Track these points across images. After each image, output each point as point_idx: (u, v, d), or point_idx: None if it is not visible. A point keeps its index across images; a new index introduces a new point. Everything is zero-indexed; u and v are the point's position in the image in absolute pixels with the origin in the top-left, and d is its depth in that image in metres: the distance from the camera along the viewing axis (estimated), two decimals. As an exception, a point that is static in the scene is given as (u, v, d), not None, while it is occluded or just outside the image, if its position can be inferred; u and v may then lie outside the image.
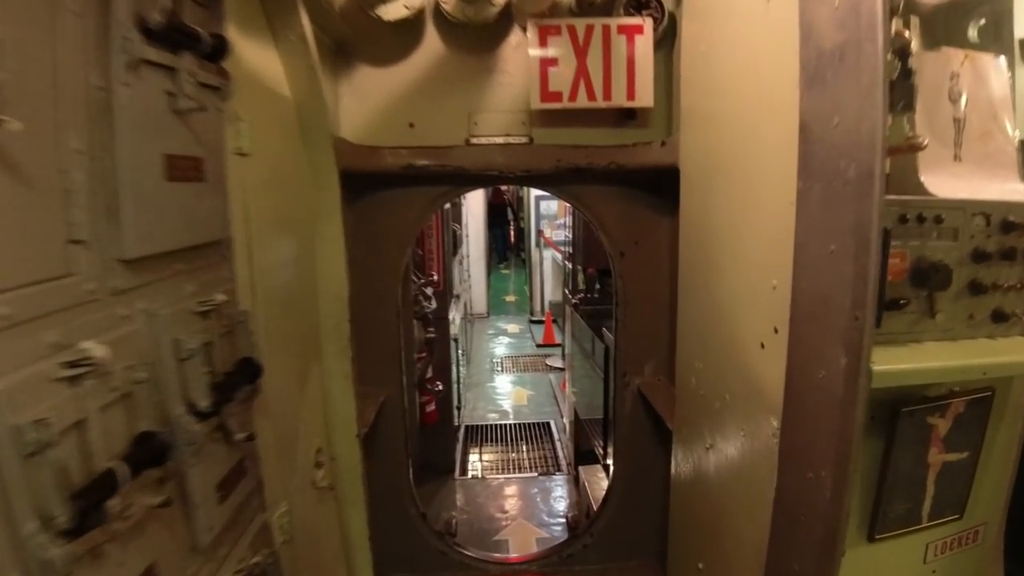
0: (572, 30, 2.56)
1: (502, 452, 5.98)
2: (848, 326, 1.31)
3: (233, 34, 1.68)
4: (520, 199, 13.29)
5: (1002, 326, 1.57)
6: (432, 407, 5.05)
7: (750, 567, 1.80)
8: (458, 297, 6.58)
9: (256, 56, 2.02)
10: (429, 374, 5.08)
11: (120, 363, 1.15)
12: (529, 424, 6.58)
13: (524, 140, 2.80)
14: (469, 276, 9.52)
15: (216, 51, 1.50)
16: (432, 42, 2.71)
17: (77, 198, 1.09)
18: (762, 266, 1.74)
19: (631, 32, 2.57)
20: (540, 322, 10.21)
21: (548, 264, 10.57)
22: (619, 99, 2.65)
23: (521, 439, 6.25)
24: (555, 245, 9.91)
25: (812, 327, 1.47)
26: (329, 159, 2.51)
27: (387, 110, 2.74)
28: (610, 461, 3.99)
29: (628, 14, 2.61)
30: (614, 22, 2.57)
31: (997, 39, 1.71)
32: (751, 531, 1.81)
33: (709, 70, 2.22)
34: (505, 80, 2.76)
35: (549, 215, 10.85)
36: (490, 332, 10.58)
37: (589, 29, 2.56)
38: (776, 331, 1.63)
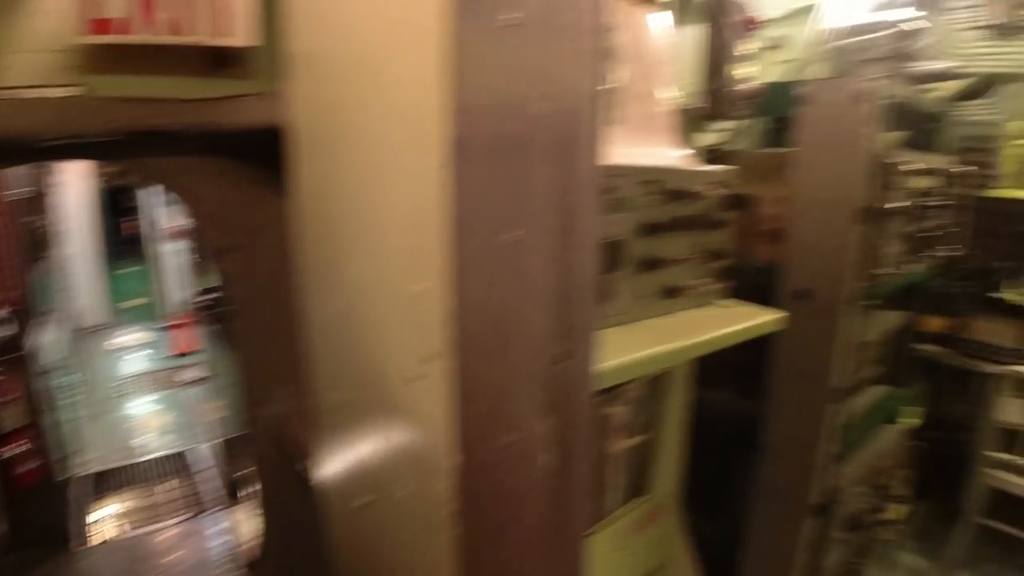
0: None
1: (138, 499, 4.73)
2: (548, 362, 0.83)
3: None
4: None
5: (673, 302, 1.45)
6: (27, 465, 3.71)
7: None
8: (52, 313, 5.19)
9: None
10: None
11: None
12: (168, 456, 5.34)
13: (69, 93, 1.73)
14: (74, 282, 7.66)
15: None
16: None
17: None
18: (401, 264, 1.17)
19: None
20: (171, 328, 8.36)
21: (177, 258, 8.66)
22: (204, 33, 1.77)
23: (160, 476, 5.03)
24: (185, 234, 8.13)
25: (488, 361, 0.95)
26: None
27: None
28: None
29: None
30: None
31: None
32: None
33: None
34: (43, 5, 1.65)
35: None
36: (112, 346, 8.40)
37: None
38: (429, 361, 1.07)
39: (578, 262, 0.87)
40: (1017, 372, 2.90)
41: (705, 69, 1.83)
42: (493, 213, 0.93)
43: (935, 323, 3.33)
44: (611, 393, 1.50)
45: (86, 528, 4.28)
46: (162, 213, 9.00)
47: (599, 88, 0.91)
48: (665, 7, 1.84)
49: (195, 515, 4.42)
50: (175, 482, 4.92)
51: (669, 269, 1.41)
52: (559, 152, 0.88)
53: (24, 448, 3.75)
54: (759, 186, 2.13)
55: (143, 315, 10.00)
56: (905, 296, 2.53)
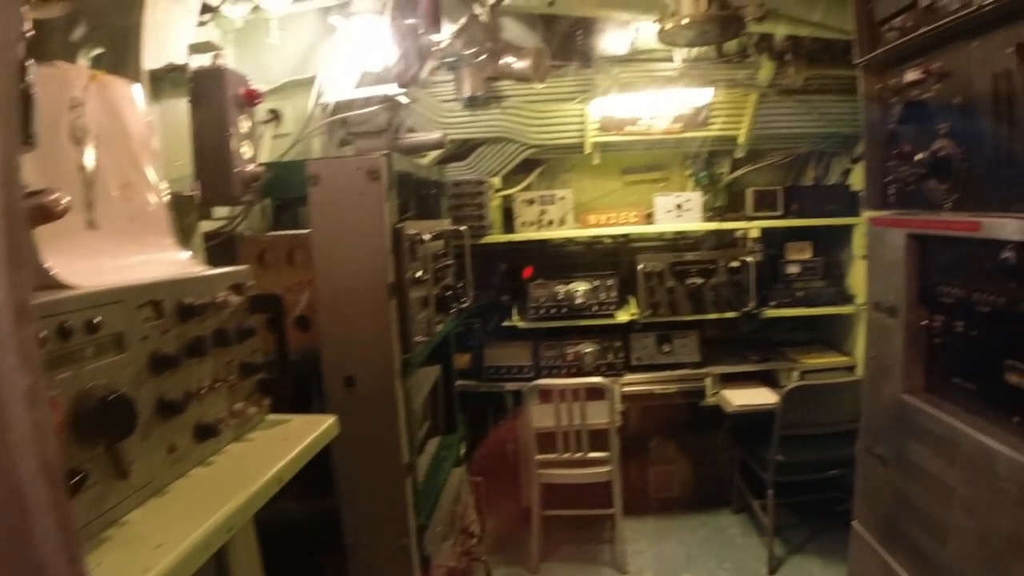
0: None
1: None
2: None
3: None
4: None
5: (212, 443, 1.33)
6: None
7: None
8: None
9: None
10: None
11: None
12: None
13: None
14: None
15: None
16: None
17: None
18: None
19: None
20: None
21: None
22: None
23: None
24: None
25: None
26: None
27: None
28: None
29: None
30: None
31: (121, 71, 1.39)
32: None
33: None
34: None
35: None
36: None
37: None
38: None
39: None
40: (536, 385, 3.86)
41: (199, 150, 1.81)
42: None
43: (461, 360, 4.14)
44: None
45: None
46: None
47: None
48: (140, 78, 1.74)
49: None
50: None
51: (197, 405, 1.31)
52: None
53: None
54: (275, 274, 2.20)
55: None
56: (437, 350, 3.06)
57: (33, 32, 1.06)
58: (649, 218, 4.37)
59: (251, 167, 1.85)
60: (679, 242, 4.75)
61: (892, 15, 1.58)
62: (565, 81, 4.01)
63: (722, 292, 4.16)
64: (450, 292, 2.77)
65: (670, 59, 3.98)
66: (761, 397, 4.03)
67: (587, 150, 4.19)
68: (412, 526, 2.24)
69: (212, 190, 1.76)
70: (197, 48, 1.84)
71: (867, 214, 1.79)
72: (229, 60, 1.85)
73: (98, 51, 1.77)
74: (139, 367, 1.14)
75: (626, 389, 4.14)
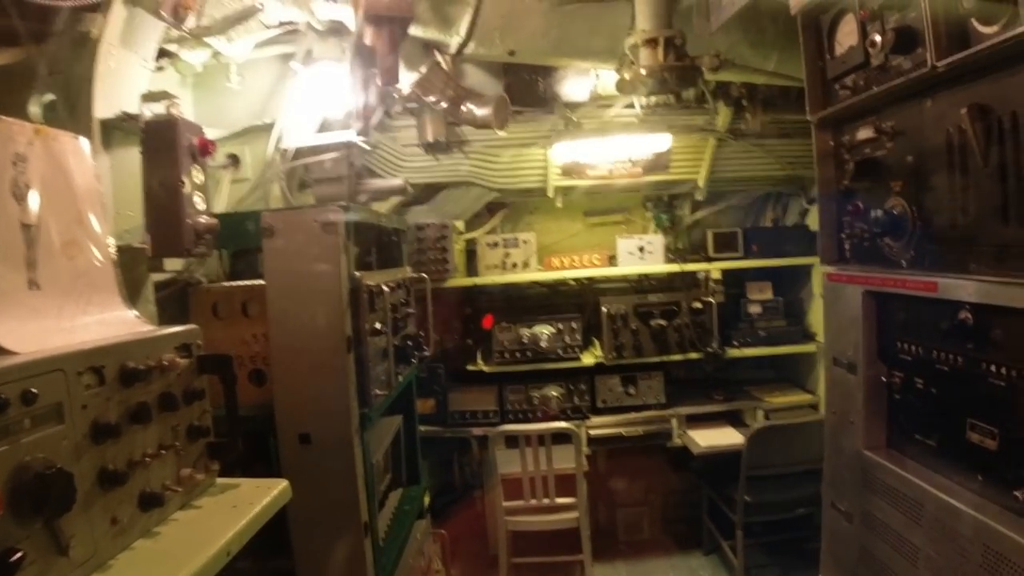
0: None
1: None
2: None
3: None
4: None
5: (157, 512, 1.28)
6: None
7: None
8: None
9: None
10: None
11: None
12: None
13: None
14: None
15: None
16: None
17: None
18: None
19: None
20: None
21: None
22: None
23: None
24: None
25: None
26: None
27: None
28: None
29: None
30: None
31: (72, 119, 1.37)
32: None
33: None
34: None
35: None
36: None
37: None
38: None
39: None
40: (502, 431, 3.82)
41: (150, 201, 1.77)
42: None
43: (425, 405, 4.09)
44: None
45: None
46: None
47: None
48: (92, 127, 1.72)
49: None
50: None
51: (141, 474, 1.25)
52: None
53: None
54: (229, 326, 2.15)
55: None
56: (399, 398, 3.01)
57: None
58: (612, 260, 4.43)
59: (204, 219, 1.82)
60: (642, 284, 4.82)
61: (844, 73, 1.63)
62: (527, 126, 4.08)
63: (686, 333, 4.22)
64: (411, 342, 2.75)
65: (631, 105, 4.09)
66: (727, 437, 4.06)
67: (550, 194, 4.25)
68: (373, 587, 2.18)
69: (163, 242, 1.73)
70: (151, 97, 1.83)
71: (824, 269, 1.84)
72: (187, 105, 1.85)
73: (50, 98, 1.75)
74: (79, 438, 1.10)
75: (593, 432, 4.13)
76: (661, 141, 4.03)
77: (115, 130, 1.83)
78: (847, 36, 1.58)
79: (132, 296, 1.57)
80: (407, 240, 3.32)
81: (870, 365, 1.67)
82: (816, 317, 4.41)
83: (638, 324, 4.19)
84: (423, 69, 2.87)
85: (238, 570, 2.27)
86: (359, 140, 2.91)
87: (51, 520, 1.02)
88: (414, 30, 2.60)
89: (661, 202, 4.74)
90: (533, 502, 3.72)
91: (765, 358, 4.79)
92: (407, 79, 2.86)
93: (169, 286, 2.25)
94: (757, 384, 4.68)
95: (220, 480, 1.54)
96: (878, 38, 1.44)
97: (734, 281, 4.42)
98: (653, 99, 4.02)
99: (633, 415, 4.23)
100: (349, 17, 2.60)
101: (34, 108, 1.71)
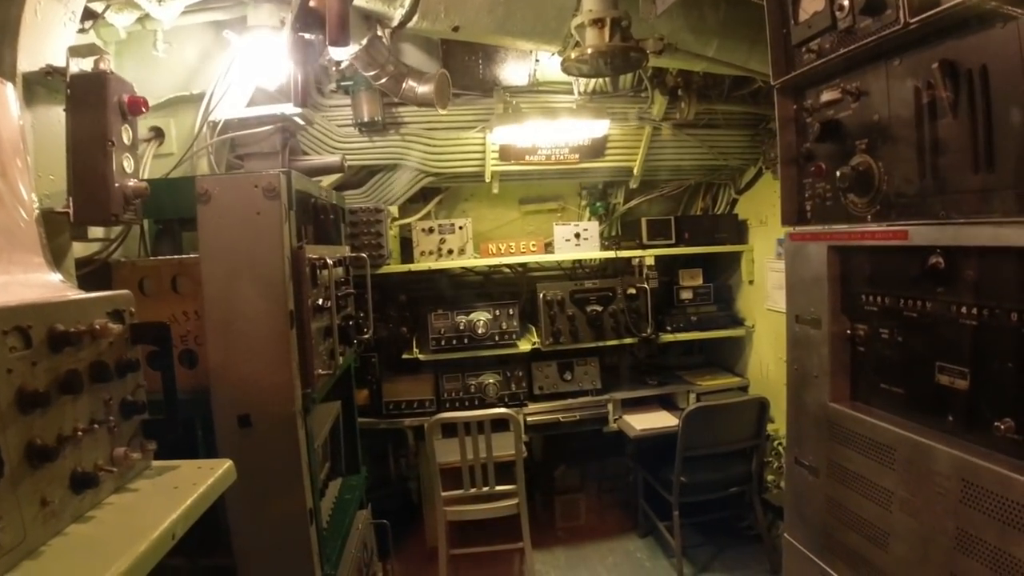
0: None
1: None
2: None
3: None
4: None
5: (91, 495, 1.16)
6: None
7: None
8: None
9: None
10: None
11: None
12: None
13: None
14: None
15: None
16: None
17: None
18: None
19: None
20: None
21: None
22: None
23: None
24: None
25: None
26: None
27: None
28: None
29: None
30: None
31: None
32: None
33: None
34: None
35: None
36: None
37: None
38: None
39: None
40: (439, 418, 3.74)
41: (75, 161, 1.61)
42: None
43: (359, 396, 3.95)
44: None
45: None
46: None
47: None
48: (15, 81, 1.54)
49: None
50: None
51: (72, 451, 1.12)
52: None
53: None
54: (157, 303, 2.00)
55: None
56: (337, 384, 2.89)
57: None
58: (548, 248, 4.44)
59: (133, 182, 1.67)
60: (577, 271, 4.86)
61: (810, 38, 1.67)
62: (466, 109, 4.02)
63: (621, 319, 4.28)
64: (351, 322, 2.65)
65: (569, 91, 4.10)
66: (662, 420, 4.15)
67: (487, 178, 4.21)
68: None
69: (88, 207, 1.57)
70: (78, 51, 1.65)
71: (785, 229, 1.88)
72: (111, 68, 1.67)
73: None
74: (3, 405, 0.97)
75: (530, 419, 4.13)
76: (598, 127, 4.06)
77: (37, 86, 1.65)
78: (812, 2, 1.62)
79: (54, 267, 1.41)
80: (344, 220, 3.20)
81: (835, 320, 1.73)
82: (745, 303, 4.58)
83: (574, 310, 4.21)
84: (363, 42, 2.76)
85: (172, 568, 2.13)
86: (294, 114, 2.76)
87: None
88: (356, -1, 2.50)
89: (596, 190, 4.79)
90: (472, 491, 3.67)
91: (695, 344, 4.94)
92: (347, 51, 2.74)
93: (90, 263, 2.07)
94: (688, 369, 4.82)
95: (156, 463, 1.42)
96: (846, 2, 1.49)
97: (666, 268, 4.52)
98: (591, 85, 4.06)
99: (570, 401, 4.26)
100: (287, -18, 2.47)
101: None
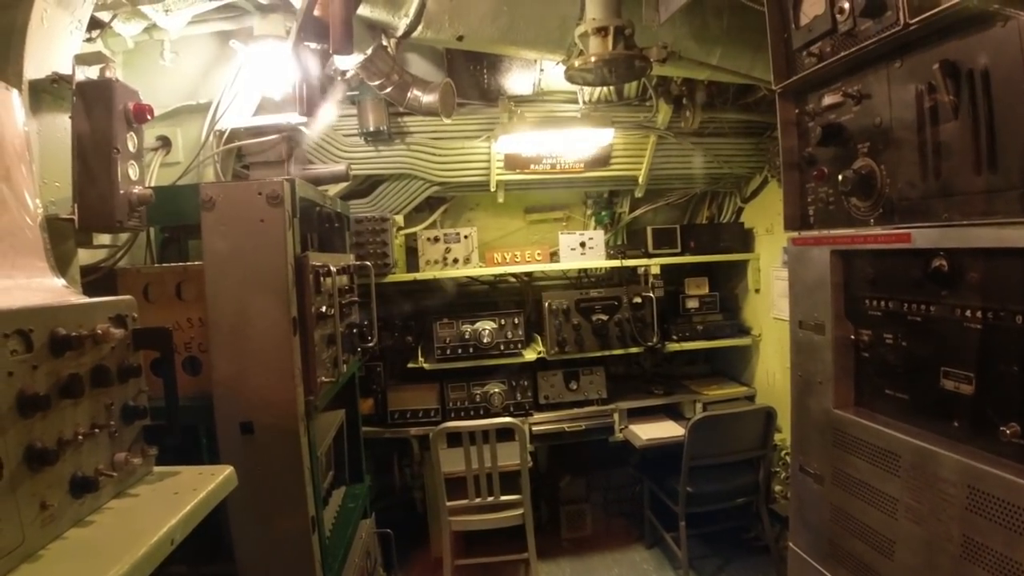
0: None
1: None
2: None
3: None
4: None
5: (91, 499, 1.17)
6: None
7: None
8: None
9: None
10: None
11: None
12: None
13: None
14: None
15: None
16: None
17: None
18: None
19: None
20: None
21: None
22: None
23: None
24: None
25: None
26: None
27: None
28: None
29: None
30: None
31: (2, 73, 1.24)
32: None
33: None
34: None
35: None
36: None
37: None
38: None
39: None
40: (444, 428, 3.73)
41: (81, 168, 1.62)
42: None
43: (364, 405, 3.95)
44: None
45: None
46: None
47: None
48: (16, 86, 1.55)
49: None
50: None
51: (72, 455, 1.13)
52: None
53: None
54: (161, 310, 2.00)
55: None
56: (341, 393, 2.89)
57: None
58: (553, 257, 4.44)
59: (138, 189, 1.68)
60: (582, 280, 4.86)
61: (811, 42, 1.67)
62: (471, 118, 4.04)
63: (626, 328, 4.26)
64: (356, 330, 2.65)
65: (574, 100, 4.12)
66: (668, 430, 4.12)
67: (492, 187, 4.22)
68: (320, 585, 2.06)
69: (93, 213, 1.58)
70: (85, 59, 1.67)
71: (788, 234, 1.87)
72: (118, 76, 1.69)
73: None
74: (4, 408, 0.98)
75: (535, 428, 4.11)
76: (603, 136, 4.07)
77: (44, 94, 1.66)
78: (812, 6, 1.62)
79: (59, 273, 1.42)
80: (348, 229, 3.22)
81: (838, 325, 1.71)
82: (751, 312, 4.56)
83: (580, 319, 4.20)
84: (368, 51, 2.78)
85: (172, 575, 2.12)
86: (300, 123, 2.78)
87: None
88: (362, 9, 2.52)
89: (601, 199, 4.80)
90: (477, 500, 3.65)
91: (701, 353, 4.91)
92: (352, 61, 2.76)
93: (95, 271, 2.08)
94: (694, 378, 4.79)
95: (157, 468, 1.42)
96: (847, 4, 1.49)
97: (672, 277, 4.51)
98: (596, 94, 4.07)
99: (576, 410, 4.24)
100: (294, -8, 2.49)
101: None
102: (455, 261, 4.19)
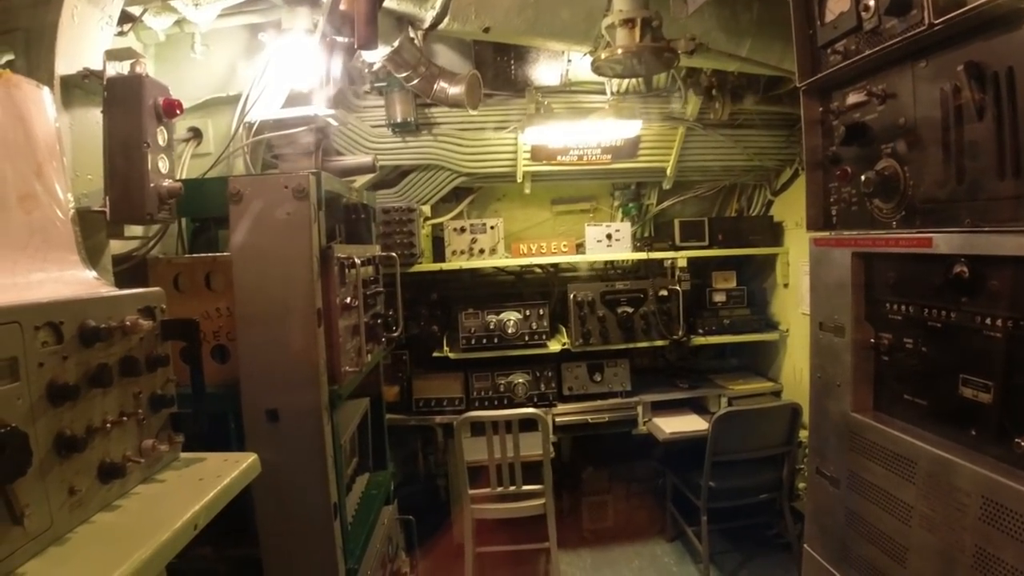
0: None
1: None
2: None
3: None
4: None
5: (118, 484, 1.20)
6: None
7: None
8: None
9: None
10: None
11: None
12: None
13: None
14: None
15: None
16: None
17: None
18: None
19: None
20: None
21: None
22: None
23: None
24: None
25: None
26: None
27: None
28: None
29: None
30: None
31: (35, 70, 1.28)
32: None
33: None
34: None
35: None
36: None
37: None
38: None
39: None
40: (468, 417, 3.77)
41: (112, 162, 1.67)
42: None
43: (389, 393, 4.00)
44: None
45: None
46: None
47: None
48: (52, 84, 1.60)
49: None
50: None
51: (101, 442, 1.17)
52: None
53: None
54: (191, 300, 2.04)
55: None
56: (366, 381, 2.93)
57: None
58: (580, 248, 4.42)
59: (167, 182, 1.72)
60: (608, 271, 4.83)
61: (835, 39, 1.63)
62: (497, 109, 4.03)
63: (652, 320, 4.24)
64: (380, 320, 2.68)
65: (601, 91, 4.08)
66: (692, 424, 4.09)
67: (519, 179, 4.22)
68: (341, 571, 2.10)
69: (124, 206, 1.63)
70: (115, 55, 1.71)
71: (810, 235, 1.84)
72: (149, 71, 1.73)
73: (8, 57, 1.64)
74: (35, 397, 1.01)
75: (558, 419, 4.11)
76: (631, 127, 4.03)
77: (75, 89, 1.71)
78: (837, 3, 1.58)
79: (90, 264, 1.46)
80: (375, 220, 3.24)
81: (858, 328, 1.68)
82: (779, 306, 4.49)
83: (605, 311, 4.19)
84: (395, 43, 2.79)
85: (199, 557, 2.19)
86: (328, 115, 2.81)
87: (4, 485, 0.93)
88: (388, 1, 2.52)
89: (629, 190, 4.75)
90: (500, 489, 3.68)
91: (728, 347, 4.86)
92: (379, 53, 2.77)
93: (127, 260, 2.14)
94: (720, 373, 4.74)
95: (184, 455, 1.46)
96: (872, 2, 1.45)
97: (699, 270, 4.46)
98: (624, 85, 4.03)
99: (599, 403, 4.23)
100: (321, -14, 2.51)
101: (-1, 59, 1.60)
102: (481, 251, 4.21)
